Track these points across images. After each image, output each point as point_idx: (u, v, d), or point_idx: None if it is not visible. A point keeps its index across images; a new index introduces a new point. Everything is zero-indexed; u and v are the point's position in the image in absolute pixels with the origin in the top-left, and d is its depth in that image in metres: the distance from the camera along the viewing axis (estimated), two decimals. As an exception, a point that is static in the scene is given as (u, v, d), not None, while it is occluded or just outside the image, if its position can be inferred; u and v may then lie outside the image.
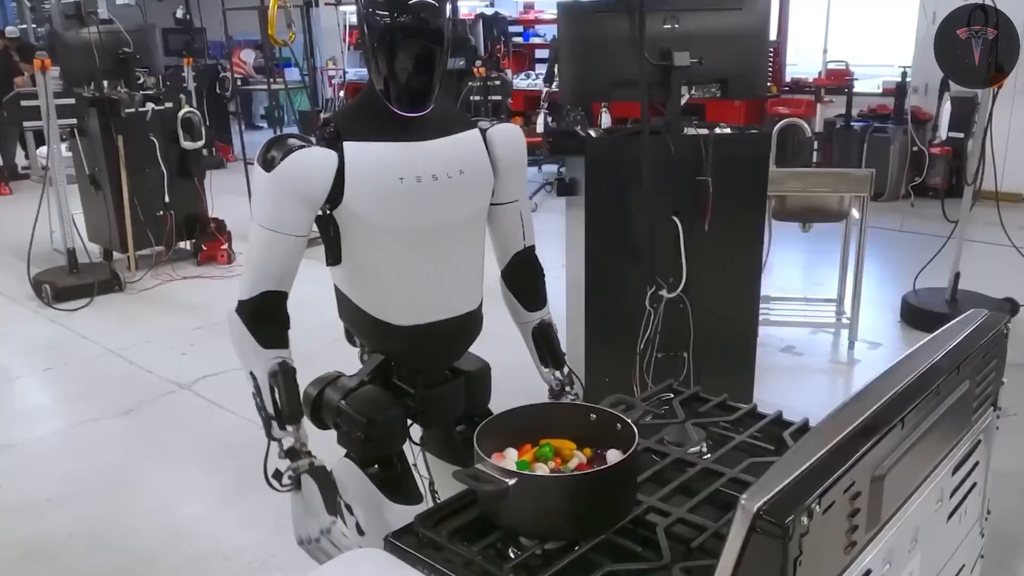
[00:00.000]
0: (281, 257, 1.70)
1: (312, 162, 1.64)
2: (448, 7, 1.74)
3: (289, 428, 1.73)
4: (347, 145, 1.66)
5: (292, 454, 1.74)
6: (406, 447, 1.90)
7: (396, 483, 1.82)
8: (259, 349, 1.72)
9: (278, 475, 1.75)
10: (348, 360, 1.95)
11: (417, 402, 1.85)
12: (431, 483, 2.05)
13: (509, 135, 1.87)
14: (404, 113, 1.70)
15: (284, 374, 1.72)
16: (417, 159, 1.71)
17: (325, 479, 1.71)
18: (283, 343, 1.75)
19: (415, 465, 2.00)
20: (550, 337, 2.04)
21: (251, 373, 1.73)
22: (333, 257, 1.78)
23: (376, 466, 1.81)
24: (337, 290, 1.85)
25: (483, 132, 1.83)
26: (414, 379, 1.85)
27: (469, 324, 1.88)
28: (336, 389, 1.80)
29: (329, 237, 1.75)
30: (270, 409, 1.72)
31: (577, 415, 1.50)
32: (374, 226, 1.70)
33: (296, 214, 1.66)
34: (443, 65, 1.70)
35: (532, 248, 2.00)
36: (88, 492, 3.23)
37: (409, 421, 1.88)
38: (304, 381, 1.80)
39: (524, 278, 2.01)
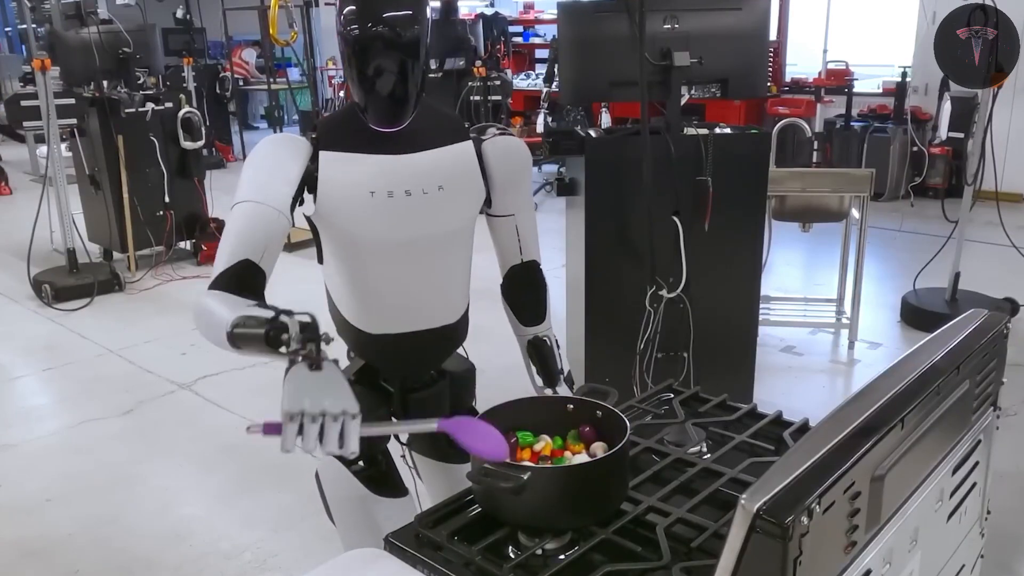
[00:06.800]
0: (262, 227, 1.54)
1: (289, 139, 1.66)
2: (428, 14, 1.64)
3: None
4: (322, 155, 1.65)
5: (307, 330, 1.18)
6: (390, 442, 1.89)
7: (381, 479, 1.81)
8: (235, 298, 1.38)
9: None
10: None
11: (397, 406, 1.84)
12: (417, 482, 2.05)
13: (507, 149, 1.79)
14: (379, 128, 1.65)
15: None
16: (391, 174, 1.66)
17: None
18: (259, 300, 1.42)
19: (403, 457, 1.99)
20: (543, 353, 1.96)
21: (229, 331, 1.26)
22: (320, 257, 1.78)
23: (360, 463, 1.79)
24: (325, 287, 1.85)
25: (478, 144, 1.76)
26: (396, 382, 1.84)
27: (447, 336, 1.84)
28: None
29: (317, 236, 1.76)
30: (265, 314, 1.22)
31: (550, 407, 1.52)
32: (344, 237, 1.69)
33: (278, 186, 1.58)
34: (419, 78, 1.61)
35: (532, 263, 1.92)
36: (88, 492, 3.22)
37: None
38: None
39: (520, 292, 1.95)
